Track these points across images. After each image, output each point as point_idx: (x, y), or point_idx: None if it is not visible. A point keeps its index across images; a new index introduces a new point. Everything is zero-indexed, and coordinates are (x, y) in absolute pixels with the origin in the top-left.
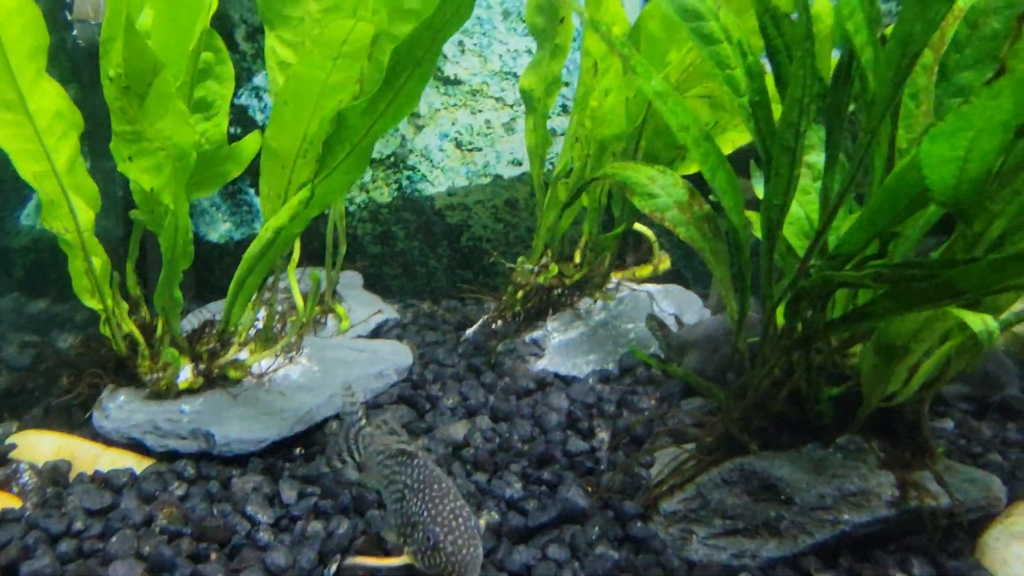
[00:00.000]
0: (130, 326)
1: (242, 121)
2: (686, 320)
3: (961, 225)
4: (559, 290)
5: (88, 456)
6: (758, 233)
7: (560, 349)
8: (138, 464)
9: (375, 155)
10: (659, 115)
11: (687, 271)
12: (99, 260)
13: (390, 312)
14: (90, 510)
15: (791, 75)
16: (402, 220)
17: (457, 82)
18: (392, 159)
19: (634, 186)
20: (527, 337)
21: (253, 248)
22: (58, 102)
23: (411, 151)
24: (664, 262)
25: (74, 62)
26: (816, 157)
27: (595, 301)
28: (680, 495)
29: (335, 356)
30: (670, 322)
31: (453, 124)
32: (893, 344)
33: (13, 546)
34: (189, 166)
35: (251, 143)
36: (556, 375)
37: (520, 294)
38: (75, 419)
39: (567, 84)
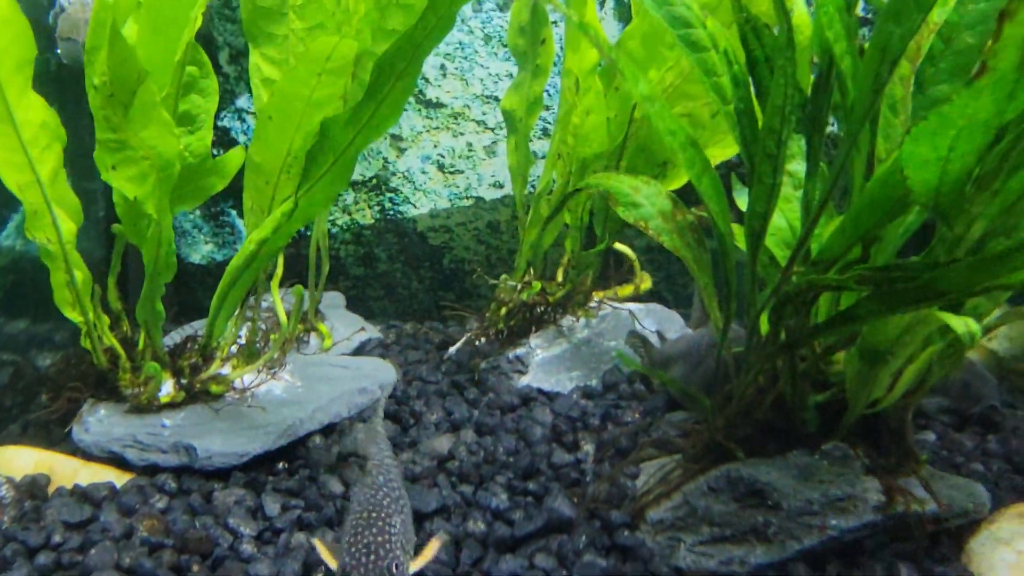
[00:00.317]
0: (111, 340)
1: (224, 143)
2: (668, 337)
3: (942, 228)
4: (542, 307)
5: (67, 470)
6: (741, 245)
7: (543, 365)
8: (118, 478)
9: (357, 177)
10: (646, 120)
11: (668, 292)
12: (81, 273)
13: (373, 332)
14: (69, 523)
15: (772, 84)
16: (384, 242)
17: (439, 105)
18: (374, 181)
19: (618, 196)
20: (510, 354)
21: (236, 261)
22: (43, 114)
23: (393, 173)
24: (646, 282)
25: (57, 84)
26: (798, 166)
27: (578, 319)
28: (667, 503)
29: (318, 372)
30: (652, 339)
31: (435, 147)
32: (877, 349)
33: None
34: (173, 176)
35: (235, 157)
36: (540, 391)
37: (503, 311)
38: (54, 436)
39: (548, 108)
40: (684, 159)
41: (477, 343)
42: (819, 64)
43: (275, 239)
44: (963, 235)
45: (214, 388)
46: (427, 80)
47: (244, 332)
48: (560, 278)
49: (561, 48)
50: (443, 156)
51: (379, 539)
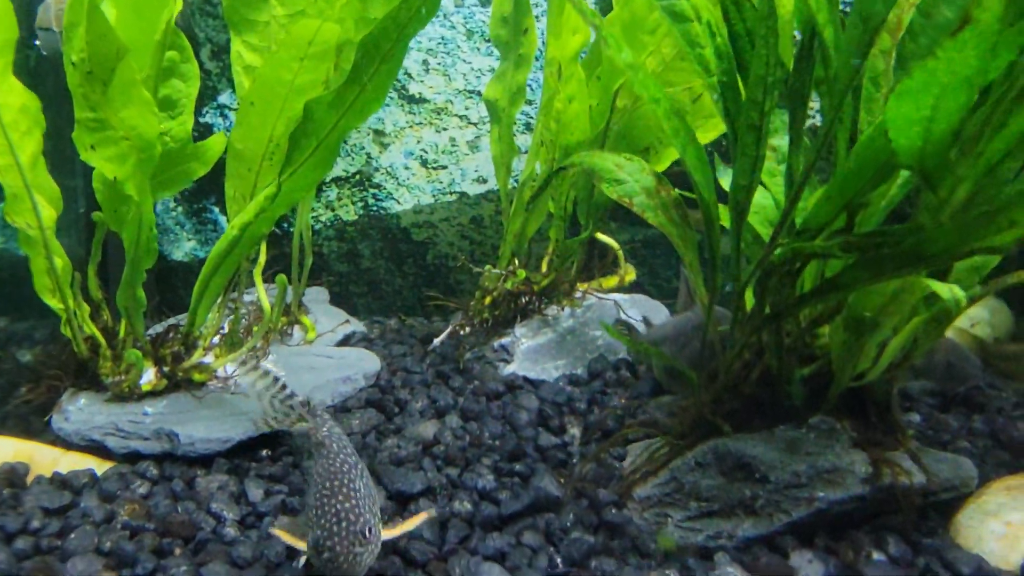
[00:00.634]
0: (91, 328)
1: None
2: (654, 324)
3: (927, 195)
4: (527, 297)
5: (47, 459)
6: (727, 223)
7: (529, 354)
8: (99, 467)
9: (340, 173)
10: (627, 108)
11: (652, 287)
12: (60, 260)
13: (357, 326)
14: (48, 509)
15: (754, 56)
16: (368, 238)
17: (422, 100)
18: (358, 177)
19: (601, 173)
20: (495, 343)
21: (218, 247)
22: (23, 98)
23: (377, 169)
24: (630, 273)
25: (36, 78)
26: (781, 140)
27: (562, 308)
28: (654, 480)
29: (301, 362)
30: (639, 327)
31: (418, 142)
32: (863, 318)
33: None
34: (154, 158)
35: (216, 143)
36: (525, 379)
37: (488, 300)
38: (34, 426)
39: (531, 102)
40: (669, 128)
41: (462, 332)
42: (801, 36)
43: (258, 224)
44: (947, 199)
45: (197, 376)
46: (410, 75)
47: (227, 322)
48: (545, 268)
49: (544, 40)
50: (426, 151)
51: (347, 505)
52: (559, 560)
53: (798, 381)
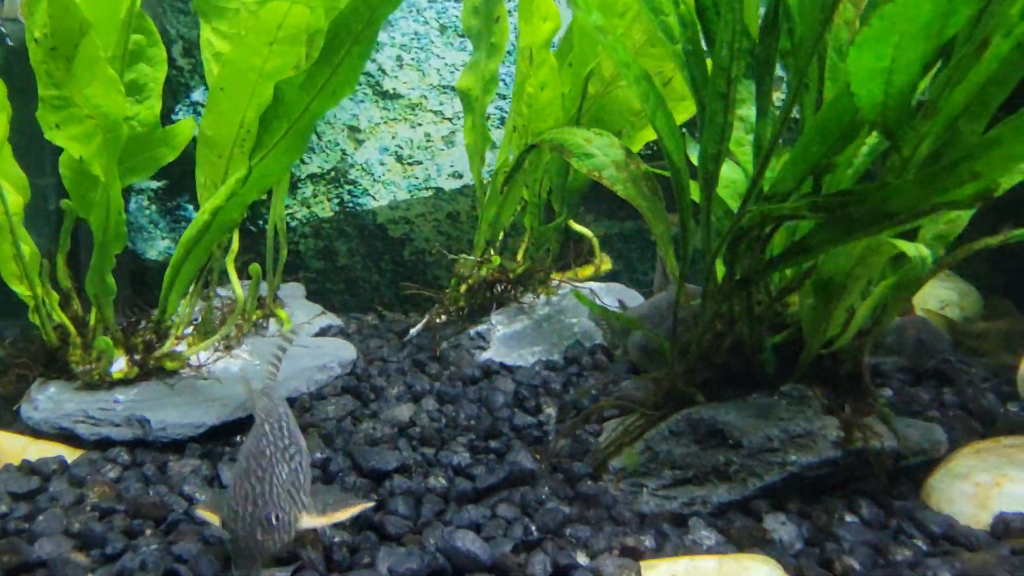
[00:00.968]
0: (61, 316)
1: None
2: (629, 307)
3: (893, 157)
4: (503, 285)
5: (15, 448)
6: (696, 197)
7: (505, 341)
8: (70, 455)
9: (315, 170)
10: (599, 95)
11: (627, 279)
12: (28, 248)
13: (333, 320)
14: (16, 494)
15: (720, 22)
16: (344, 234)
17: (396, 96)
18: (333, 174)
19: (571, 148)
20: (472, 331)
21: (189, 232)
22: None
23: (352, 165)
24: (606, 263)
25: (4, 75)
26: (748, 111)
27: (538, 296)
28: (629, 451)
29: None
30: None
31: (393, 138)
32: (832, 281)
33: None
34: (120, 138)
35: (185, 127)
36: (502, 364)
37: (463, 288)
38: (3, 417)
39: (504, 97)
40: (639, 92)
41: (438, 320)
42: (767, 5)
43: (229, 208)
44: (911, 157)
45: (169, 364)
46: (383, 71)
47: (200, 311)
48: (520, 256)
49: (516, 28)
50: (401, 147)
51: (258, 489)
52: (534, 528)
53: (769, 349)
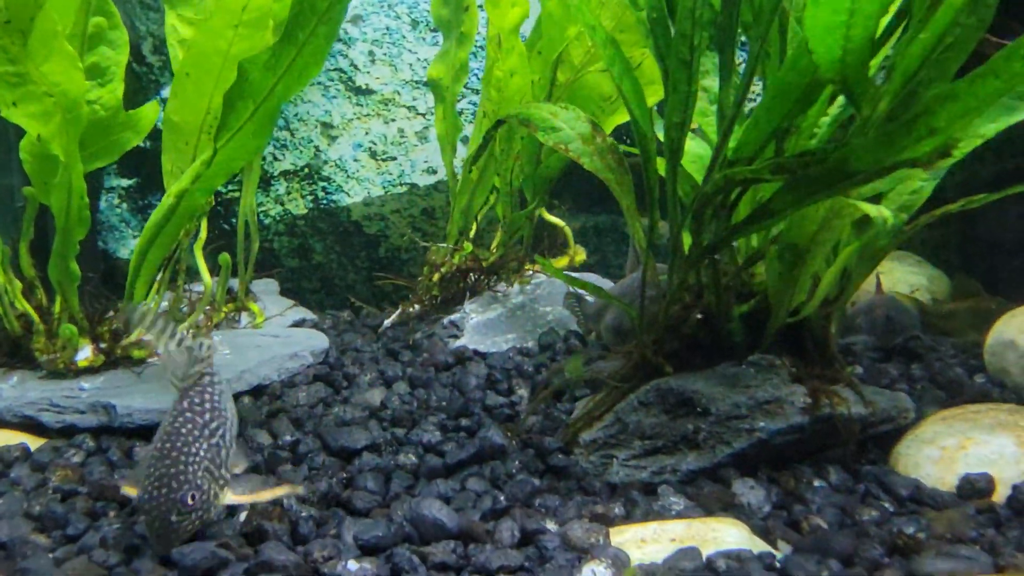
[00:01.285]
0: (24, 304)
1: (151, 134)
2: None
3: (856, 121)
4: (476, 274)
5: None
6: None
7: (479, 328)
8: (33, 443)
9: (288, 167)
10: (568, 83)
11: (603, 272)
12: None
13: (307, 314)
14: None
15: None
16: (319, 232)
17: (369, 92)
18: (306, 170)
19: (537, 121)
20: (445, 320)
21: (155, 216)
22: None
23: (325, 162)
24: (580, 254)
25: None
26: (712, 81)
27: (512, 285)
28: (599, 425)
29: (248, 342)
30: (589, 299)
31: (366, 134)
32: (796, 246)
33: None
34: (80, 118)
35: (149, 111)
36: (475, 351)
37: (436, 277)
38: None
39: (476, 92)
40: (605, 56)
41: (412, 310)
42: None
43: (195, 192)
44: (870, 117)
45: (136, 353)
46: (356, 67)
47: (168, 300)
48: (494, 247)
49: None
50: (375, 143)
51: (173, 470)
52: (503, 499)
53: (737, 319)
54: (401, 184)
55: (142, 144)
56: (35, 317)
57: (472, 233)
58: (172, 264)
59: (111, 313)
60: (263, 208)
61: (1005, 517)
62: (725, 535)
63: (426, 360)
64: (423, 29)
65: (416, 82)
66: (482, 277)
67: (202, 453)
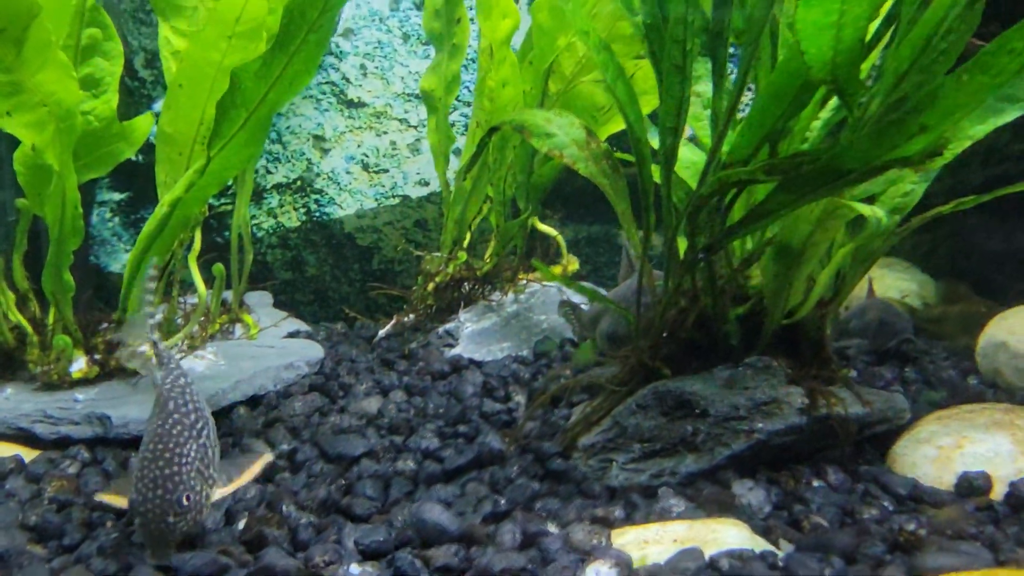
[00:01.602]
0: (17, 316)
1: (143, 148)
2: None
3: (849, 122)
4: (470, 283)
5: None
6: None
7: (474, 337)
8: (28, 455)
9: (281, 179)
10: (560, 93)
11: (594, 281)
12: None
13: (302, 326)
14: None
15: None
16: (312, 244)
17: (361, 105)
18: (299, 183)
19: (531, 128)
20: (440, 329)
21: (149, 225)
22: None
23: (318, 174)
24: (573, 264)
25: None
26: (705, 87)
27: (506, 294)
28: (597, 429)
29: (243, 352)
30: (583, 307)
31: (359, 146)
32: (791, 247)
33: None
34: (74, 128)
35: (143, 122)
36: (471, 360)
37: (431, 286)
38: None
39: (468, 104)
40: (599, 62)
41: (406, 320)
42: None
43: (188, 200)
44: (862, 118)
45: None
46: (348, 80)
47: (162, 311)
48: (488, 256)
49: (478, 34)
50: (367, 156)
51: (167, 471)
52: (503, 503)
53: (733, 321)
54: (394, 196)
55: (134, 158)
56: (29, 329)
57: (466, 243)
58: (166, 275)
59: (105, 325)
60: (256, 221)
61: (1003, 514)
62: (726, 535)
63: (422, 369)
64: (414, 42)
65: (408, 95)
66: (476, 286)
67: (193, 454)
